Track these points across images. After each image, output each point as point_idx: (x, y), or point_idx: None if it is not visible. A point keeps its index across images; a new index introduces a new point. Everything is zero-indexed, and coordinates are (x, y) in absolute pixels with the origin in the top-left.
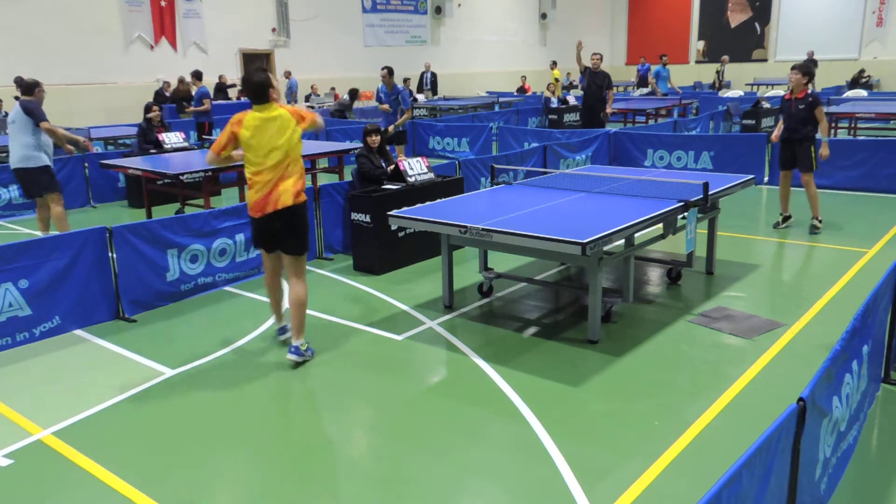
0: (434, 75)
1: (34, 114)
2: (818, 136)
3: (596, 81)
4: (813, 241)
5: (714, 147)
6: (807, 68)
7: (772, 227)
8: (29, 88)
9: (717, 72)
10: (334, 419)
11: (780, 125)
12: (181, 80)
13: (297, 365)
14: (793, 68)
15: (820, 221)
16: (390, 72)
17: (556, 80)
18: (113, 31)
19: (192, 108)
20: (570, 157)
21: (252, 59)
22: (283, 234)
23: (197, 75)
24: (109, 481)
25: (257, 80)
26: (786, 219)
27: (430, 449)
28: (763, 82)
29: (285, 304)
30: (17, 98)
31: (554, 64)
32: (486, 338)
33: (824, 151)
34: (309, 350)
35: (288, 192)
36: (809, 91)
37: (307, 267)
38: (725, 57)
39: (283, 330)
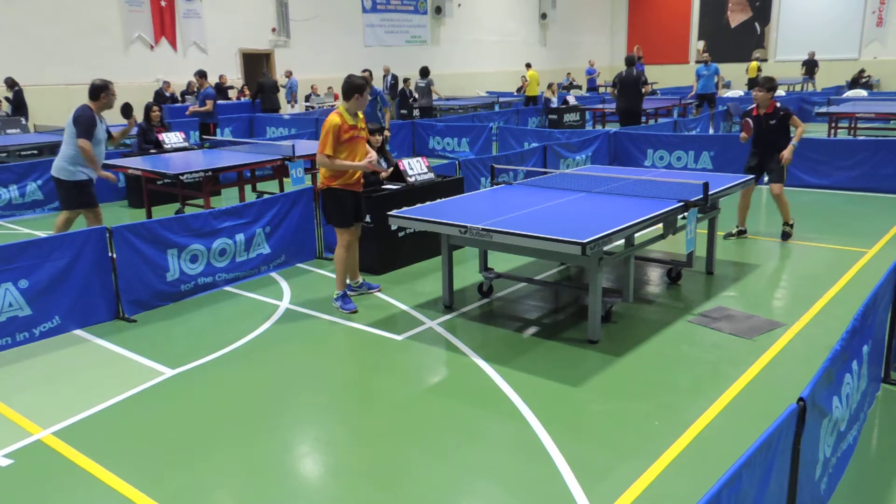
0: (395, 78)
1: (78, 129)
2: (794, 141)
3: (642, 80)
4: (813, 241)
5: (714, 147)
6: (770, 84)
7: (723, 237)
8: (95, 91)
9: (759, 68)
10: (334, 419)
11: (744, 133)
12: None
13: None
14: (756, 86)
15: (791, 226)
16: (371, 75)
17: (525, 79)
18: (113, 31)
19: (194, 108)
20: (570, 157)
21: (252, 59)
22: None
23: (202, 74)
24: (109, 481)
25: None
26: (741, 232)
27: (429, 449)
28: None
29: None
30: (7, 99)
31: (528, 66)
32: (486, 338)
33: (787, 155)
34: (337, 301)
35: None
36: (778, 105)
37: (307, 267)
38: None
39: (351, 289)
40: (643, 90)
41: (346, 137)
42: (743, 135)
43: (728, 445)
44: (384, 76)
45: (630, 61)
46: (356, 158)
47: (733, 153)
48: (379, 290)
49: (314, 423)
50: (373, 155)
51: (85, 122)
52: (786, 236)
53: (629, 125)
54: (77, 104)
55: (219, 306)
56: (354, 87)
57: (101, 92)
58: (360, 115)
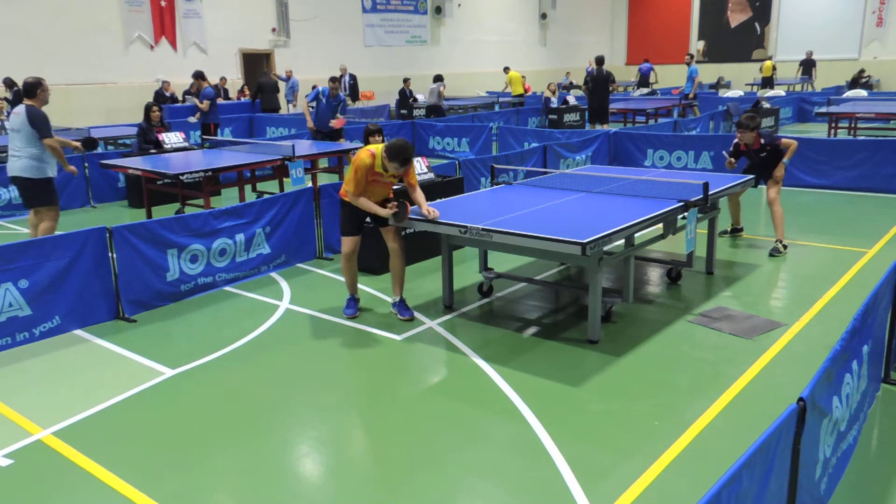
0: (354, 78)
1: (40, 130)
2: (784, 160)
3: (610, 79)
4: (813, 241)
5: (714, 147)
6: (752, 123)
7: (719, 234)
8: (31, 89)
9: (774, 67)
10: (334, 419)
11: (732, 159)
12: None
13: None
14: (738, 126)
15: (785, 246)
16: (338, 82)
17: (509, 82)
18: (113, 31)
19: (198, 114)
20: (570, 157)
21: (252, 59)
22: None
23: (199, 76)
24: (109, 481)
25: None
26: (735, 230)
27: (429, 449)
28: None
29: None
30: (6, 100)
31: (506, 69)
32: (486, 338)
33: (779, 172)
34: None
35: None
36: (763, 141)
37: (307, 267)
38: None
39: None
40: (611, 88)
41: (370, 179)
42: (731, 161)
43: (728, 445)
44: (341, 76)
45: (600, 60)
46: (371, 196)
47: None
48: (410, 320)
49: (314, 423)
50: (389, 210)
51: (43, 120)
52: (775, 252)
53: (598, 121)
54: (77, 104)
55: (219, 306)
56: (400, 153)
57: (37, 88)
58: (393, 172)
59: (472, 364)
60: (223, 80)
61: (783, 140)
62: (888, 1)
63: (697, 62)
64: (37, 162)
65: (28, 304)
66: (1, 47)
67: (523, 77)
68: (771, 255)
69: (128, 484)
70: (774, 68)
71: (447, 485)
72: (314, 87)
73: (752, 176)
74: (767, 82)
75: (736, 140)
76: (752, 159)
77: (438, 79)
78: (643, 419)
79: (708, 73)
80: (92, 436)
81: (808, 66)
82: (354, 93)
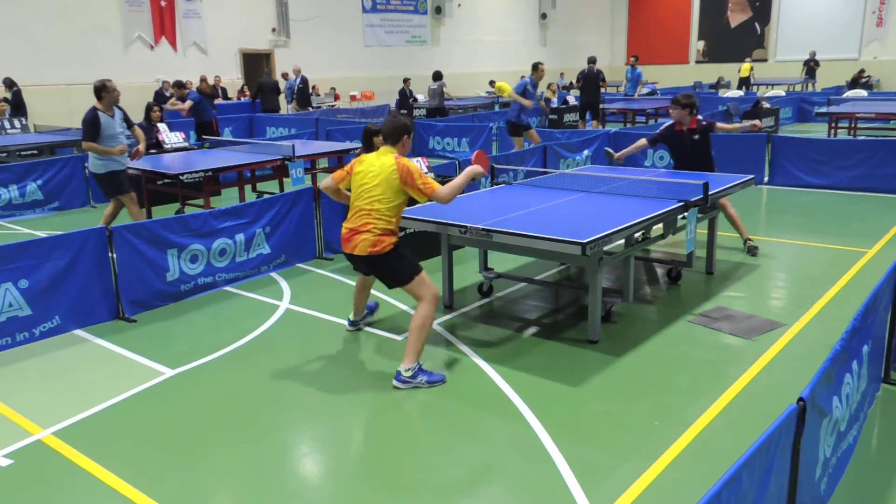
0: (304, 81)
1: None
2: (740, 125)
3: (600, 77)
4: (813, 241)
5: (714, 147)
6: (687, 100)
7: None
8: (96, 92)
9: (751, 69)
10: (334, 419)
11: (638, 146)
12: (203, 79)
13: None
14: (673, 102)
15: (755, 244)
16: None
17: (500, 91)
18: (113, 31)
19: (183, 111)
20: (570, 157)
21: (252, 59)
22: (373, 273)
23: (179, 84)
24: (109, 481)
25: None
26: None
27: (429, 449)
28: (763, 82)
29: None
30: (6, 100)
31: (492, 83)
32: (486, 338)
33: (755, 124)
34: (419, 375)
35: (365, 242)
36: (700, 118)
37: (307, 267)
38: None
39: (353, 323)
40: (601, 86)
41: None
42: (616, 155)
43: (728, 445)
44: (295, 77)
45: (592, 60)
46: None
47: (733, 153)
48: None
49: (314, 423)
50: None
51: (85, 124)
52: (752, 250)
53: (589, 117)
54: (77, 104)
55: (219, 306)
56: (403, 129)
57: (101, 91)
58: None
59: (472, 364)
60: (217, 78)
61: (719, 124)
62: (888, 1)
63: (697, 62)
64: (95, 159)
65: (28, 304)
66: (1, 47)
67: (522, 78)
68: (752, 254)
69: (128, 484)
70: (752, 69)
71: (447, 485)
72: (521, 78)
73: (752, 176)
74: (744, 83)
75: (667, 123)
76: (681, 147)
77: (438, 76)
78: (643, 419)
79: (708, 73)
80: (92, 436)
81: (811, 67)
82: (304, 98)
